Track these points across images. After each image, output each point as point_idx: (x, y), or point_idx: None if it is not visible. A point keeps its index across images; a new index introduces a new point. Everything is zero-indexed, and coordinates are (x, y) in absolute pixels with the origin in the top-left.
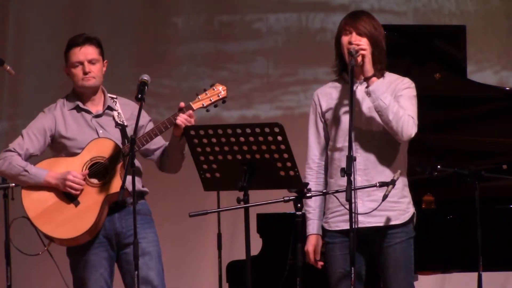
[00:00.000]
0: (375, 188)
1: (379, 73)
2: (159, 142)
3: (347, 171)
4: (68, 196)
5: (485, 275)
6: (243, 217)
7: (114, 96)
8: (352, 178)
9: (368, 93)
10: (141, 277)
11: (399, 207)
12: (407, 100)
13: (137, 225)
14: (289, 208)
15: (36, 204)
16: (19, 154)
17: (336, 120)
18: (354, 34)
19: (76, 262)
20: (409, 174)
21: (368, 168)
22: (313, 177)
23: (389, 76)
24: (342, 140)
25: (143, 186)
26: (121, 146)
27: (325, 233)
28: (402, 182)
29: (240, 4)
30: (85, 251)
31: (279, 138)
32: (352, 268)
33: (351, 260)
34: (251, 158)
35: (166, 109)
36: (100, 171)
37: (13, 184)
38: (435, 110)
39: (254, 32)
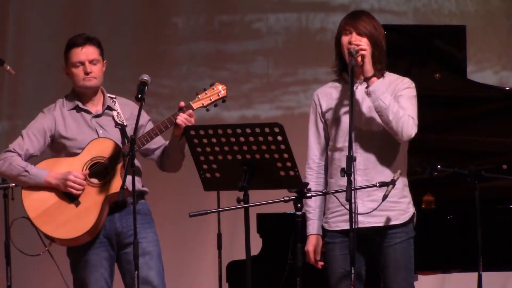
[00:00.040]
0: (375, 188)
1: (379, 73)
2: (159, 142)
3: (347, 171)
4: (69, 196)
5: (485, 275)
6: (243, 217)
7: (113, 96)
8: (352, 178)
9: (368, 93)
10: (141, 277)
11: (399, 207)
12: (407, 100)
13: (138, 225)
14: (289, 208)
15: (36, 204)
16: (19, 155)
17: (336, 120)
18: (354, 34)
19: (76, 262)
20: (409, 174)
21: (368, 168)
22: (313, 177)
23: (389, 76)
24: (342, 140)
25: (142, 186)
26: (121, 146)
27: (325, 233)
28: (402, 182)
29: (240, 4)
30: (86, 251)
31: (279, 138)
32: (352, 268)
33: (351, 260)
34: (251, 158)
35: (166, 109)
36: (101, 171)
37: (13, 184)
38: (435, 110)
39: (254, 32)
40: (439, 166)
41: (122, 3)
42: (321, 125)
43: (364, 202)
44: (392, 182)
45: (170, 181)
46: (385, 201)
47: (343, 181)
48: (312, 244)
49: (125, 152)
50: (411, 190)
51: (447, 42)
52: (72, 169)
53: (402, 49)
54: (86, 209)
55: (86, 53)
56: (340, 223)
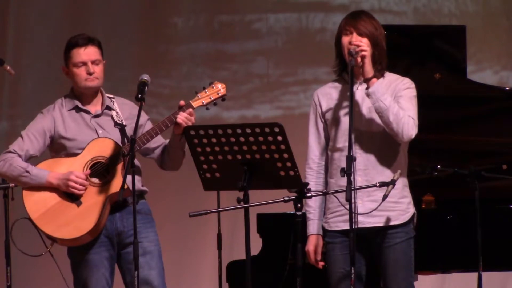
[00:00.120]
0: (375, 188)
1: (379, 73)
2: (159, 141)
3: (347, 171)
4: (70, 196)
5: (485, 275)
6: (243, 217)
7: (112, 96)
8: (352, 178)
9: (368, 95)
10: (142, 276)
11: (399, 207)
12: (407, 101)
13: (138, 225)
14: (289, 208)
15: (38, 205)
16: (19, 155)
17: (336, 120)
18: (355, 34)
19: (77, 262)
20: (409, 174)
21: (368, 168)
22: (313, 177)
23: (389, 76)
24: (342, 140)
25: (142, 186)
26: (121, 145)
27: (325, 233)
28: (402, 183)
29: (240, 4)
30: (87, 251)
31: (279, 138)
32: (352, 268)
33: (351, 260)
34: (251, 158)
35: (166, 109)
36: (101, 171)
37: (13, 185)
38: (435, 110)
39: (254, 32)
40: (439, 166)
41: (122, 3)
42: (321, 125)
43: (364, 202)
44: (392, 182)
45: (170, 181)
46: (385, 201)
47: (343, 181)
48: (313, 244)
49: (125, 152)
50: (411, 190)
51: (447, 42)
52: (72, 169)
53: (402, 49)
54: (88, 209)
55: (89, 53)
56: (340, 223)
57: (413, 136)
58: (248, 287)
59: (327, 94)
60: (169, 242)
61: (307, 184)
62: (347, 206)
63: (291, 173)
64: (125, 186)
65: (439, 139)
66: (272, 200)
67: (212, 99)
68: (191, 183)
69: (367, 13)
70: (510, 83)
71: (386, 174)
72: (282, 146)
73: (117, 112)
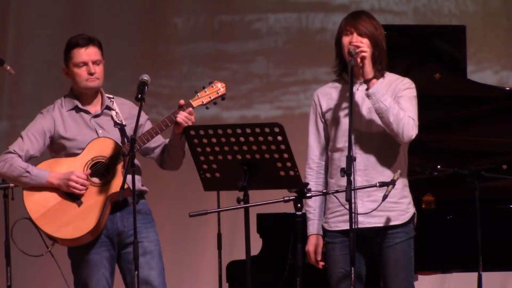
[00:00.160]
0: (375, 188)
1: (379, 73)
2: (158, 140)
3: (347, 171)
4: (70, 196)
5: (485, 275)
6: (243, 217)
7: (111, 96)
8: (352, 178)
9: (369, 96)
10: (142, 276)
11: (399, 207)
12: (407, 101)
13: (139, 225)
14: (289, 208)
15: (38, 205)
16: (20, 156)
17: (336, 120)
18: (355, 35)
19: (77, 262)
20: (409, 174)
21: (368, 168)
22: (313, 177)
23: (389, 76)
24: (342, 141)
25: (142, 185)
26: (121, 145)
27: (325, 233)
28: (402, 183)
29: (240, 4)
30: (87, 251)
31: (279, 138)
32: (352, 268)
33: (351, 260)
34: (251, 158)
35: (166, 109)
36: (101, 171)
37: (13, 184)
38: (435, 110)
39: (254, 32)
40: (439, 166)
41: (122, 3)
42: (321, 125)
43: (364, 202)
44: (392, 182)
45: (170, 181)
46: (385, 201)
47: (343, 181)
48: (313, 244)
49: (125, 152)
50: (411, 190)
51: (447, 42)
52: (73, 169)
53: (402, 49)
54: (88, 209)
55: (89, 53)
56: (340, 223)
57: (414, 136)
58: (248, 287)
59: (327, 94)
60: (169, 242)
61: (307, 184)
62: (347, 206)
63: (291, 173)
64: (125, 186)
65: (439, 139)
66: (272, 200)
67: (212, 98)
68: (191, 183)
69: (367, 13)
70: (510, 83)
71: (386, 174)
72: (282, 146)
73: (116, 112)
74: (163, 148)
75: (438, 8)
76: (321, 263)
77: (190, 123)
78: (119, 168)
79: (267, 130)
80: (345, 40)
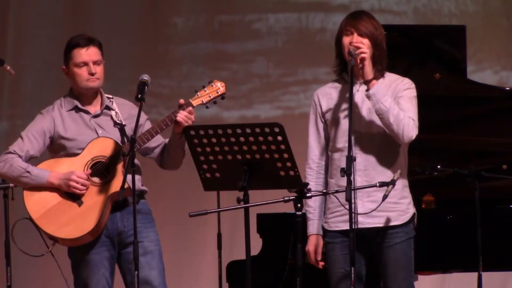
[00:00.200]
0: (375, 189)
1: (379, 74)
2: (158, 140)
3: (347, 171)
4: (71, 196)
5: (485, 275)
6: (243, 217)
7: (110, 96)
8: (352, 178)
9: (369, 97)
10: (142, 276)
11: (399, 207)
12: (407, 102)
13: (139, 224)
14: (289, 208)
15: (39, 205)
16: (20, 156)
17: (336, 120)
18: (355, 35)
19: (78, 262)
20: (409, 174)
21: (368, 169)
22: (313, 177)
23: (389, 76)
24: (342, 141)
25: (142, 185)
26: (121, 144)
27: (325, 233)
28: (402, 183)
29: (240, 4)
30: (87, 251)
31: (279, 138)
32: (352, 268)
33: (351, 260)
34: (251, 158)
35: (165, 109)
36: (102, 170)
37: (13, 184)
38: (435, 110)
39: (254, 32)
40: (439, 166)
41: (122, 3)
42: (321, 125)
43: (364, 202)
44: (392, 182)
45: (170, 181)
46: (384, 202)
47: (343, 182)
48: (313, 244)
49: (125, 152)
50: (411, 190)
51: (447, 42)
52: (73, 169)
53: (402, 49)
54: (89, 209)
55: (90, 54)
56: (340, 223)
57: (414, 137)
58: (248, 287)
59: (327, 94)
60: (169, 242)
61: (307, 184)
62: (347, 206)
63: (291, 173)
64: (126, 186)
65: (439, 139)
66: (272, 200)
67: (211, 97)
68: (191, 183)
69: (368, 13)
70: (510, 83)
71: (386, 175)
72: (282, 146)
73: (116, 112)
74: (163, 147)
75: (438, 8)
76: (321, 263)
77: (190, 122)
78: (119, 167)
79: (267, 130)
80: (346, 40)
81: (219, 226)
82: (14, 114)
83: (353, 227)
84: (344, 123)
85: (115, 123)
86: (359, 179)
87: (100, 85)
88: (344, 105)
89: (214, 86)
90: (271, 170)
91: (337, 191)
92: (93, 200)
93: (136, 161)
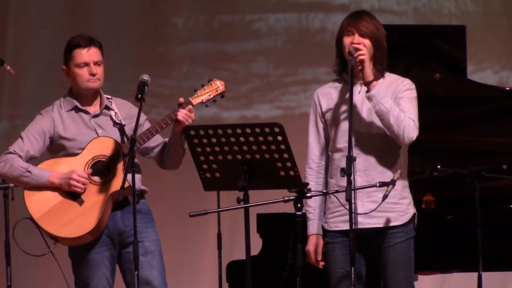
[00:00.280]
0: (375, 189)
1: (379, 74)
2: (158, 140)
3: (347, 171)
4: (72, 195)
5: (485, 275)
6: (243, 217)
7: (109, 97)
8: (352, 178)
9: (369, 98)
10: (143, 276)
11: (399, 208)
12: (407, 102)
13: (139, 224)
14: (289, 208)
15: (40, 204)
16: (20, 156)
17: (336, 120)
18: (356, 35)
19: (78, 262)
20: (409, 174)
21: (368, 169)
22: (313, 177)
23: (389, 77)
24: (342, 141)
25: (142, 185)
26: (121, 144)
27: (325, 233)
28: (402, 184)
29: (240, 4)
30: (88, 250)
31: (279, 138)
32: (352, 268)
33: (351, 260)
34: (251, 158)
35: (166, 109)
36: (102, 170)
37: (13, 184)
38: (435, 110)
39: (254, 32)
40: (439, 166)
41: (122, 3)
42: (321, 125)
43: (364, 203)
44: (392, 182)
45: (170, 181)
46: (384, 202)
47: (343, 182)
48: (313, 244)
49: (125, 152)
50: (411, 190)
51: (447, 42)
52: (73, 168)
53: (402, 49)
54: (90, 208)
55: (91, 54)
56: (340, 223)
57: (414, 138)
58: (248, 287)
59: (327, 94)
60: (169, 242)
61: (307, 184)
62: (347, 206)
63: (291, 173)
64: (126, 185)
65: (439, 139)
66: (272, 200)
67: (211, 96)
68: (191, 183)
69: (369, 13)
70: (510, 83)
71: (386, 175)
72: (282, 146)
73: (115, 112)
74: (162, 147)
75: (438, 8)
76: (321, 263)
77: (190, 121)
78: (120, 167)
79: (267, 130)
80: (346, 40)
81: (219, 226)
82: (14, 114)
83: (353, 227)
84: (344, 123)
85: (115, 123)
86: (359, 179)
87: (100, 85)
88: (344, 105)
89: (213, 84)
90: (271, 170)
91: (337, 191)
92: (94, 200)
93: (136, 160)
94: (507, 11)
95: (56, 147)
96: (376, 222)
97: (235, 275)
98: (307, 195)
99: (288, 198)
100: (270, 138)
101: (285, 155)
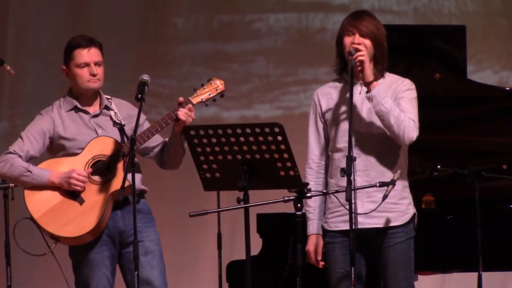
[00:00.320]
0: (374, 189)
1: (379, 74)
2: (157, 140)
3: (347, 171)
4: (72, 194)
5: (485, 275)
6: (243, 217)
7: (109, 97)
8: (352, 178)
9: (369, 98)
10: (143, 276)
11: (399, 208)
12: (407, 103)
13: (139, 224)
14: (289, 208)
15: (40, 204)
16: (20, 156)
17: (336, 120)
18: (357, 36)
19: (79, 262)
20: (409, 174)
21: (368, 169)
22: (313, 177)
23: (389, 77)
24: (342, 141)
25: (142, 185)
26: (121, 143)
27: (325, 233)
28: (401, 184)
29: (240, 4)
30: (88, 250)
31: (279, 138)
32: (352, 268)
33: (351, 260)
34: (251, 158)
35: (166, 109)
36: (102, 169)
37: (13, 184)
38: (435, 110)
39: (254, 32)
40: (439, 166)
41: (122, 3)
42: (321, 125)
43: (364, 203)
44: (392, 182)
45: (170, 181)
46: (384, 202)
47: (343, 182)
48: (313, 243)
49: (125, 152)
50: (411, 190)
51: (447, 42)
52: (74, 168)
53: (402, 49)
54: (90, 207)
55: (92, 54)
56: (340, 223)
57: (414, 138)
58: (248, 287)
59: (327, 94)
60: (169, 242)
61: (307, 184)
62: (347, 206)
63: (291, 173)
64: (126, 184)
65: (439, 139)
66: (272, 200)
67: (211, 95)
68: (191, 183)
69: (369, 13)
70: (510, 83)
71: (386, 175)
72: (282, 146)
73: (115, 112)
74: (162, 146)
75: (438, 8)
76: (321, 263)
77: (190, 120)
78: (120, 166)
79: (267, 130)
80: (347, 40)
81: (219, 226)
82: (14, 114)
83: (353, 227)
84: (344, 123)
85: (115, 123)
86: (359, 179)
87: (100, 86)
88: (344, 105)
89: (213, 84)
90: (271, 170)
91: (337, 191)
92: (94, 199)
93: (136, 160)
94: (507, 11)
95: (56, 147)
96: (376, 222)
97: (235, 275)
98: (307, 195)
99: (288, 198)
100: (270, 138)
101: (285, 155)
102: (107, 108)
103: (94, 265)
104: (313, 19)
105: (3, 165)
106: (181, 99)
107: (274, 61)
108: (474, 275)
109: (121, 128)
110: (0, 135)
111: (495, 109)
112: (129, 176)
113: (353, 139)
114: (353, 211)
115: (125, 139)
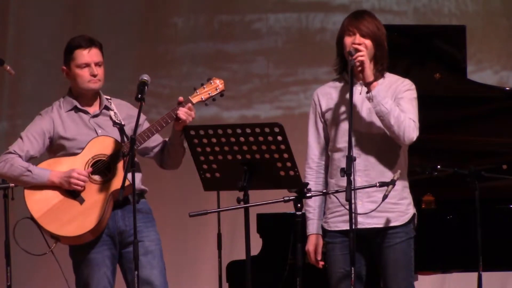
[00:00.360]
0: (374, 189)
1: (379, 74)
2: (157, 140)
3: (347, 171)
4: (72, 194)
5: (485, 275)
6: (243, 217)
7: (108, 97)
8: (352, 178)
9: (370, 99)
10: (143, 276)
11: (399, 208)
12: (408, 103)
13: (140, 224)
14: (289, 208)
15: (40, 204)
16: (20, 156)
17: (336, 120)
18: (358, 36)
19: (79, 261)
20: (409, 174)
21: (368, 169)
22: (313, 177)
23: (389, 77)
24: (342, 141)
25: (142, 185)
26: (121, 143)
27: (325, 233)
28: (401, 184)
29: (240, 4)
30: (89, 250)
31: (279, 138)
32: (352, 268)
33: (351, 260)
34: (251, 158)
35: (166, 109)
36: (102, 169)
37: (13, 184)
38: (435, 110)
39: (254, 32)
40: (439, 166)
41: (122, 3)
42: (320, 125)
43: (364, 203)
44: (392, 182)
45: (170, 181)
46: (384, 202)
47: (343, 182)
48: (313, 243)
49: (125, 152)
50: (411, 190)
51: (447, 42)
52: (74, 167)
53: (402, 49)
54: (90, 206)
55: (92, 55)
56: (340, 223)
57: (414, 138)
58: (248, 287)
59: (327, 94)
60: (169, 242)
61: (307, 184)
62: (347, 206)
63: (291, 173)
64: (126, 183)
65: (439, 139)
66: (272, 200)
67: (210, 95)
68: (191, 183)
69: (370, 13)
70: (510, 83)
71: (386, 175)
72: (282, 146)
73: (115, 112)
74: (162, 146)
75: (438, 8)
76: (321, 263)
77: (190, 119)
78: (120, 166)
79: (267, 130)
80: (347, 40)
81: (219, 226)
82: (14, 114)
83: (353, 227)
84: (344, 123)
85: (114, 123)
86: (359, 179)
87: (101, 86)
88: (344, 105)
89: (213, 83)
90: (271, 170)
91: (337, 191)
92: (94, 199)
93: (136, 160)
94: (507, 11)
95: (55, 147)
96: (376, 222)
97: (235, 275)
98: (307, 195)
99: (288, 198)
100: (270, 138)
101: (285, 155)
102: (107, 108)
103: (94, 265)
104: (313, 19)
105: (3, 165)
106: (181, 98)
107: (274, 61)
108: (474, 275)
109: (121, 128)
110: (0, 135)
111: (495, 109)
112: (129, 175)
113: (353, 139)
114: (353, 211)
115: (125, 139)
